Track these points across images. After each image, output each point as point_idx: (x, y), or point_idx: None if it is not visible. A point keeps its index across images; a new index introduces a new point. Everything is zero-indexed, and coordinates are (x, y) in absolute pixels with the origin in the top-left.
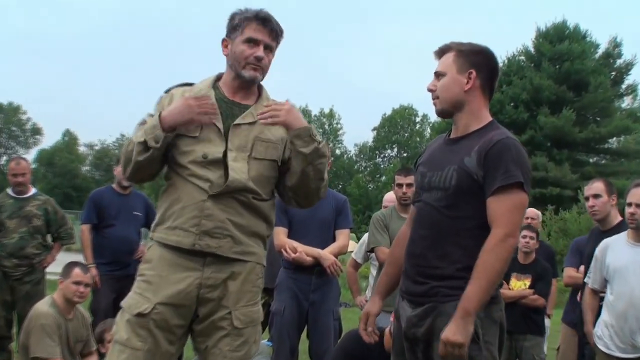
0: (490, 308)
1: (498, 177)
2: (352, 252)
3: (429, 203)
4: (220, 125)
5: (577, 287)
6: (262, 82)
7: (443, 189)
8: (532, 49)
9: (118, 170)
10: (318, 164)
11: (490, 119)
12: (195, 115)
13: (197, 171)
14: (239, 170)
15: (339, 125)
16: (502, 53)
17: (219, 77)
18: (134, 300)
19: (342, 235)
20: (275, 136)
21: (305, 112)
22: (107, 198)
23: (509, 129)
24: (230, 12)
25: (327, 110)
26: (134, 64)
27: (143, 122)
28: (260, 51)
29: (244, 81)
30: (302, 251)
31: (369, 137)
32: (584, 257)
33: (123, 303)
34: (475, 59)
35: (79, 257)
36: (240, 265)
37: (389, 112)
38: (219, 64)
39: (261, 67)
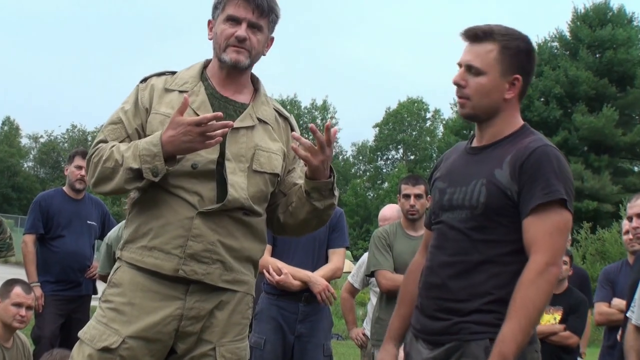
0: (524, 350)
1: (537, 193)
2: (348, 274)
3: (453, 225)
4: None
5: (611, 325)
6: (257, 75)
7: (469, 207)
8: (567, 34)
9: (70, 170)
10: (326, 215)
11: (521, 122)
12: (200, 145)
13: (183, 183)
14: (239, 186)
15: (333, 120)
16: (531, 38)
17: (206, 65)
18: (98, 332)
19: (337, 255)
20: (275, 145)
21: (294, 104)
22: (57, 204)
23: (538, 128)
24: None
25: (319, 102)
26: (89, 45)
27: (116, 122)
28: (242, 30)
29: (228, 67)
30: (289, 273)
31: (369, 135)
32: (622, 287)
33: (83, 334)
34: (524, 60)
35: (20, 273)
36: (229, 294)
37: (393, 105)
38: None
39: (246, 49)
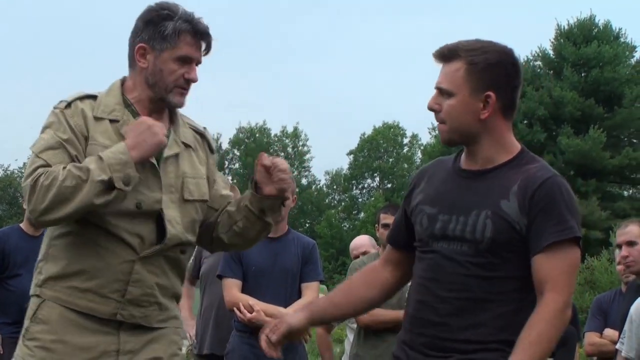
0: None
1: (550, 229)
2: None
3: (451, 257)
4: (153, 158)
5: (603, 357)
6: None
7: (472, 241)
8: (551, 52)
9: None
10: (272, 228)
11: (518, 146)
12: (162, 137)
13: (125, 224)
14: (175, 221)
15: (305, 148)
16: None
17: (122, 84)
18: None
19: (310, 290)
20: (200, 169)
21: (263, 131)
22: (13, 241)
23: None
24: (152, 9)
25: (290, 129)
26: (42, 73)
27: (55, 147)
28: (194, 72)
29: (167, 106)
30: (261, 310)
31: (343, 163)
32: (615, 317)
33: None
34: (494, 74)
35: None
36: (162, 329)
37: (368, 131)
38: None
39: (189, 89)
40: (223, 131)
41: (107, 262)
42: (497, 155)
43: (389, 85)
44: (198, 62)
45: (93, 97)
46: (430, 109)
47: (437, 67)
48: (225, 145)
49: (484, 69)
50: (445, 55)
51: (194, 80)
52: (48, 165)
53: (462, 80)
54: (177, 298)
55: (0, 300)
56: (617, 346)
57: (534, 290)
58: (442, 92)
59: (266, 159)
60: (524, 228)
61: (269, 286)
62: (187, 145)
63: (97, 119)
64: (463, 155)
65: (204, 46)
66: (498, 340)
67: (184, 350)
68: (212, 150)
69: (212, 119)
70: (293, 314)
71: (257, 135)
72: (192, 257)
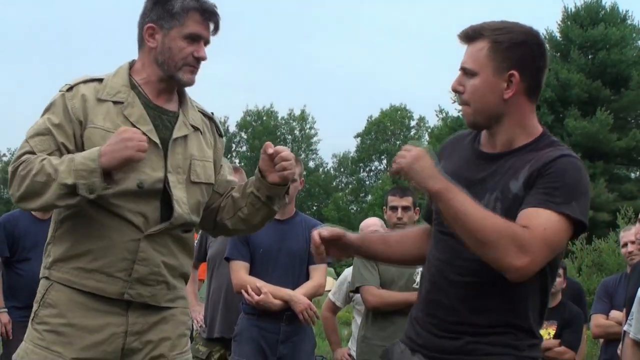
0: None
1: (541, 198)
2: (329, 292)
3: (459, 240)
4: (156, 138)
5: (609, 338)
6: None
7: None
8: (557, 35)
9: None
10: (275, 214)
11: (540, 129)
12: (134, 153)
13: (128, 203)
14: (182, 201)
15: (312, 131)
16: None
17: (130, 67)
18: (39, 356)
19: (318, 272)
20: (208, 152)
21: (270, 115)
22: (22, 226)
23: None
24: None
25: (297, 112)
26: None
27: (44, 133)
28: (203, 50)
29: (177, 84)
30: (268, 292)
31: (350, 145)
32: (621, 299)
33: (18, 358)
34: (518, 53)
35: None
36: (170, 309)
37: (376, 114)
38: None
39: (198, 67)
40: (230, 114)
41: (112, 241)
42: (517, 137)
43: (396, 68)
44: (207, 42)
45: (99, 80)
46: (455, 90)
47: (444, 52)
48: (232, 128)
49: (508, 48)
50: (470, 35)
51: (203, 58)
52: (33, 153)
53: (485, 59)
54: (185, 278)
55: (10, 285)
56: (625, 328)
57: (543, 275)
58: (466, 72)
59: (270, 148)
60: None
61: (277, 268)
62: (195, 128)
63: (100, 101)
64: (483, 136)
65: (212, 27)
66: (506, 324)
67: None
68: (220, 134)
69: (219, 102)
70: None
71: (264, 118)
72: (197, 241)
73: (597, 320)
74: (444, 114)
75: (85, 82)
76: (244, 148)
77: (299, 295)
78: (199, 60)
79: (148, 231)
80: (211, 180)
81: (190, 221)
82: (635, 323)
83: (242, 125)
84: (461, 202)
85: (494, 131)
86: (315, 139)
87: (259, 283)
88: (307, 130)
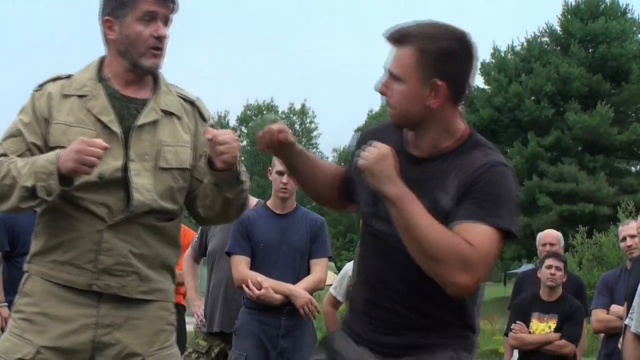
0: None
1: (472, 211)
2: (330, 286)
3: (391, 243)
4: (117, 129)
5: (610, 333)
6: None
7: None
8: (558, 28)
9: None
10: (241, 202)
11: (466, 129)
12: (78, 166)
13: (90, 195)
14: (143, 187)
15: (313, 125)
16: (520, 33)
17: (102, 62)
18: (11, 344)
19: (319, 266)
20: (184, 136)
21: (271, 108)
22: (22, 220)
23: (529, 128)
24: None
25: (298, 106)
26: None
27: (15, 134)
28: (162, 28)
29: (143, 72)
30: (269, 287)
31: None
32: (621, 293)
33: None
34: (446, 63)
35: None
36: (147, 303)
37: (376, 108)
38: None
39: (163, 48)
40: (230, 108)
41: (79, 233)
42: (442, 141)
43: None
44: (166, 20)
45: (68, 77)
46: (380, 92)
47: None
48: (232, 122)
49: (436, 58)
50: (397, 39)
51: (163, 36)
52: (6, 155)
53: (412, 68)
54: (168, 269)
55: (10, 279)
56: (626, 322)
57: None
58: (392, 76)
59: (208, 133)
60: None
61: (278, 263)
62: (169, 113)
63: (66, 96)
64: (410, 136)
65: (171, 6)
66: (447, 320)
67: (191, 328)
68: (204, 119)
69: (219, 96)
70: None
71: (264, 112)
72: (197, 236)
73: (598, 314)
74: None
75: (54, 80)
76: (245, 142)
77: (299, 290)
78: (160, 39)
79: (110, 221)
80: (185, 165)
81: (159, 208)
82: (636, 317)
83: (243, 120)
84: (414, 213)
85: (419, 134)
86: (315, 133)
87: (260, 277)
88: (307, 125)
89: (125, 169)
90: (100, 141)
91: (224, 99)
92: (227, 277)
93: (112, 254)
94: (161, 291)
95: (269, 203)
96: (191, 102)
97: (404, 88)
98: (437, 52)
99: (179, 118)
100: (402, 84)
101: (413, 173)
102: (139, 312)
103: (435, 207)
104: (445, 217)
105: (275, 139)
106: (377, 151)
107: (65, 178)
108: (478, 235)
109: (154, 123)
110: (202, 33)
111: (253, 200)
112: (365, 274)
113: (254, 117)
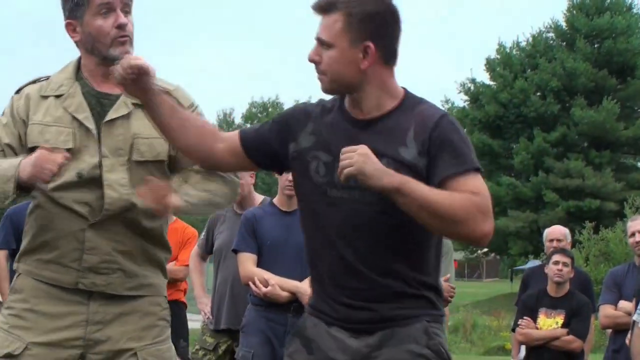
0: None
1: (451, 163)
2: None
3: (354, 207)
4: (91, 125)
5: (618, 329)
6: None
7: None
8: (563, 24)
9: None
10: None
11: (402, 90)
12: (33, 177)
13: (71, 194)
14: (117, 183)
15: None
16: (525, 29)
17: (80, 62)
18: (0, 339)
19: None
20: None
21: (276, 106)
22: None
23: (535, 124)
24: None
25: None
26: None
27: None
28: (121, 17)
29: (113, 63)
30: (276, 284)
31: None
32: (629, 289)
33: None
34: (372, 24)
35: None
36: (136, 299)
37: None
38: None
39: (128, 35)
40: (236, 106)
41: (64, 232)
42: (384, 101)
43: (401, 59)
44: (124, 6)
45: (47, 78)
46: (311, 60)
47: (450, 40)
48: (238, 120)
49: (362, 20)
50: (323, 7)
51: (124, 24)
52: None
53: (340, 31)
54: (156, 263)
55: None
56: (635, 317)
57: None
58: (321, 43)
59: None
60: (424, 169)
61: (284, 260)
62: (140, 106)
63: (43, 97)
64: (347, 103)
65: None
66: (418, 283)
67: (198, 325)
68: (185, 106)
69: (224, 94)
70: None
71: (269, 109)
72: (204, 233)
73: (606, 310)
74: (450, 105)
75: (34, 82)
76: None
77: (306, 287)
78: (121, 27)
79: (93, 220)
80: (160, 157)
81: (133, 202)
82: None
83: (248, 117)
84: (421, 191)
85: (358, 97)
86: None
87: (267, 275)
88: None
89: (100, 165)
90: (61, 151)
91: (230, 97)
92: (233, 274)
93: (96, 252)
94: (150, 286)
95: (275, 200)
96: (167, 93)
97: (333, 53)
98: (362, 15)
99: None
100: (331, 49)
101: (364, 135)
102: (128, 308)
103: (400, 162)
104: (411, 169)
105: (127, 71)
106: (357, 153)
107: (26, 184)
108: (473, 183)
109: (127, 116)
110: (209, 31)
111: (259, 198)
112: (329, 247)
113: (259, 115)
